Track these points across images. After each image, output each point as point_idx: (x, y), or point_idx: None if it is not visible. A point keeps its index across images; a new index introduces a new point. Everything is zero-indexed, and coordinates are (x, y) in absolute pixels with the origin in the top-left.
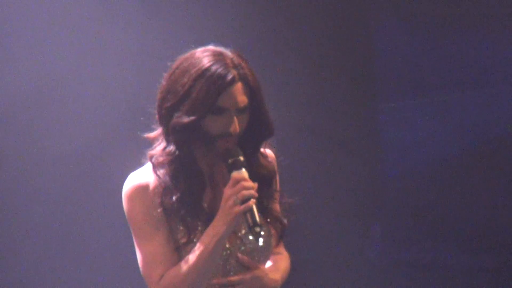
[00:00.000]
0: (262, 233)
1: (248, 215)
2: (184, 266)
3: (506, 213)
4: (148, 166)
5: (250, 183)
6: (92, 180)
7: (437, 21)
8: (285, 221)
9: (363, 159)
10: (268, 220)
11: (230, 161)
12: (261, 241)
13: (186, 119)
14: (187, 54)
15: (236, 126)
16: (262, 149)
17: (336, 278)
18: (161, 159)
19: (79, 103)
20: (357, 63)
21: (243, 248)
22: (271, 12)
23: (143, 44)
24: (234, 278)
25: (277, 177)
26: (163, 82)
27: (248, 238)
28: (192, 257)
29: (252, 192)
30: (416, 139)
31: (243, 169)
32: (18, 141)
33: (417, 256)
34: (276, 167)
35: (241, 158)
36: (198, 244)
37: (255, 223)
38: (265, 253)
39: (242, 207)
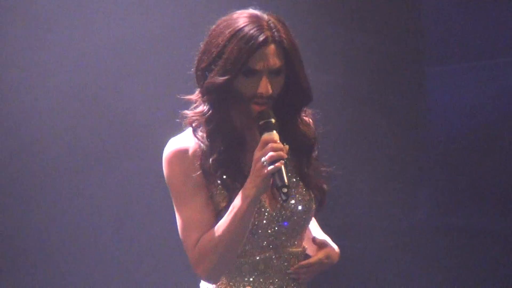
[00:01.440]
0: (293, 194)
1: (277, 176)
2: (217, 230)
3: None
4: (188, 131)
5: (279, 145)
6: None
7: None
8: (325, 186)
9: (409, 123)
10: (308, 186)
11: (261, 123)
12: (300, 205)
13: (218, 79)
14: (226, 16)
15: (267, 88)
16: (305, 117)
17: (383, 243)
18: (195, 118)
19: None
20: (404, 26)
21: (283, 212)
22: None
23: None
24: (313, 260)
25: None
26: (201, 44)
27: (289, 202)
28: (224, 221)
29: (281, 153)
30: (462, 103)
31: (274, 132)
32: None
33: (464, 221)
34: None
35: (273, 121)
36: (230, 208)
37: (283, 184)
38: (305, 217)
39: (270, 168)
